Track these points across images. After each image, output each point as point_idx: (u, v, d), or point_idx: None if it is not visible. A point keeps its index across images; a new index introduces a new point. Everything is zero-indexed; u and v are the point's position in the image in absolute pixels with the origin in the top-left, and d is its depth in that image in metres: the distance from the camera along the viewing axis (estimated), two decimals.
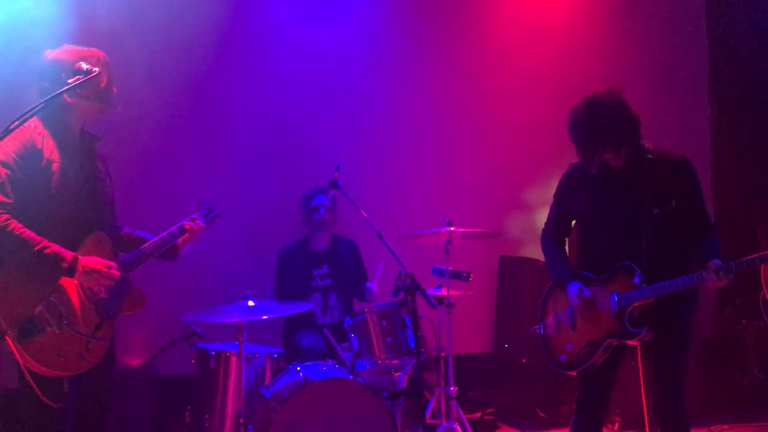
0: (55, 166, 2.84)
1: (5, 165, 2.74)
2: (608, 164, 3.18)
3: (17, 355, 2.68)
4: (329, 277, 4.73)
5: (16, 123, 2.55)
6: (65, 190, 2.86)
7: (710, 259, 2.97)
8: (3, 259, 2.72)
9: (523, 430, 4.98)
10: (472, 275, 4.44)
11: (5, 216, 2.71)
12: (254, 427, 3.69)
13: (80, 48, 2.97)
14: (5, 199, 2.72)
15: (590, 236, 3.33)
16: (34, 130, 2.83)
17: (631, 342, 3.16)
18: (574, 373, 3.32)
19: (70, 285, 2.82)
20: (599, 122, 3.10)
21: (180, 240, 3.24)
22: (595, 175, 3.22)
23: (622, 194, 3.18)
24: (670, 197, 3.11)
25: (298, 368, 3.80)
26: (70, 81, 2.74)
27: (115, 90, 3.01)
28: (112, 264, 2.92)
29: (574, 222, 3.46)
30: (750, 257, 2.88)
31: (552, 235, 3.48)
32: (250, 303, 3.69)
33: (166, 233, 3.18)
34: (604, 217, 3.23)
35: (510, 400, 5.28)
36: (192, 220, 3.29)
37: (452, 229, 4.31)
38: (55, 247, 2.77)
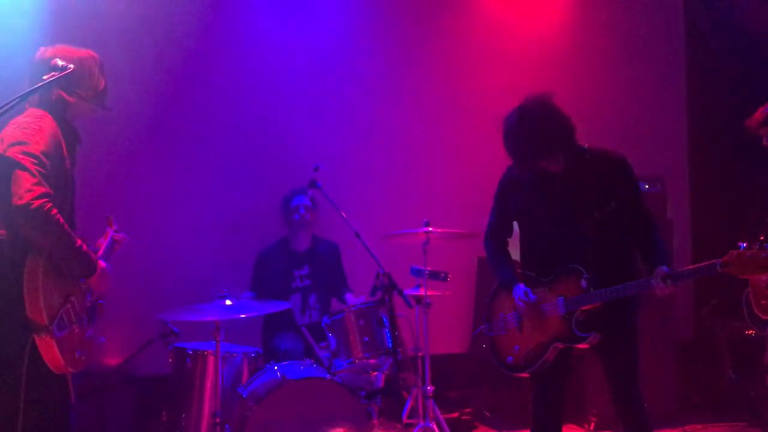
0: (67, 164, 2.81)
1: (46, 155, 2.63)
2: (545, 170, 3.17)
3: (47, 351, 2.61)
4: (309, 277, 4.74)
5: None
6: (69, 190, 2.83)
7: (657, 264, 2.97)
8: (44, 250, 2.63)
9: (500, 430, 5.01)
10: (450, 275, 4.46)
11: (52, 207, 2.59)
12: (231, 426, 3.68)
13: (72, 48, 2.91)
14: (49, 190, 2.60)
15: (531, 237, 3.32)
16: (55, 126, 2.76)
17: (579, 346, 3.18)
18: (524, 375, 3.33)
19: (82, 285, 2.81)
20: (530, 135, 3.07)
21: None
22: (533, 179, 3.23)
23: (561, 196, 3.16)
24: (609, 198, 3.10)
25: (276, 367, 3.81)
26: (44, 77, 2.69)
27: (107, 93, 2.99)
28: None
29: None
30: (699, 265, 2.87)
31: (494, 236, 3.47)
32: (228, 302, 3.69)
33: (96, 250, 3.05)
34: (544, 219, 3.23)
35: (487, 400, 5.31)
36: (116, 231, 3.19)
37: (430, 229, 4.33)
38: (84, 245, 2.75)
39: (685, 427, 4.86)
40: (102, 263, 2.85)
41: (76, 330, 2.75)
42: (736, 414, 5.01)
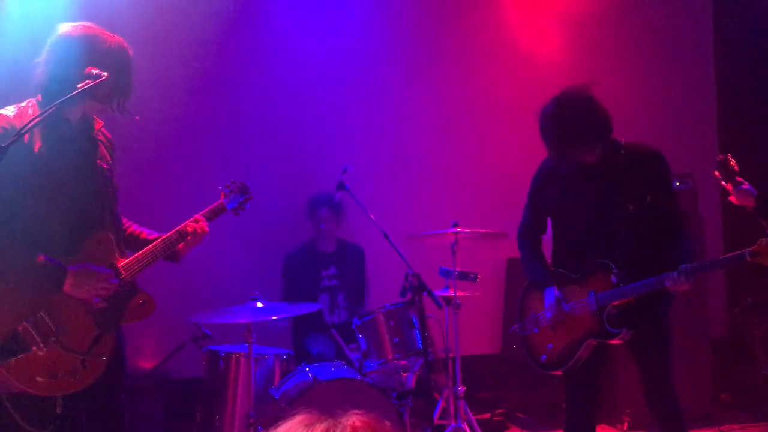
0: (40, 156, 2.55)
1: None
2: (581, 161, 3.16)
3: None
4: (336, 277, 4.77)
5: (37, 119, 2.41)
6: (57, 185, 2.59)
7: (675, 262, 2.97)
8: None
9: (530, 429, 4.98)
10: (479, 276, 4.45)
11: None
12: (264, 428, 3.71)
13: (100, 35, 2.65)
14: None
15: (565, 233, 3.31)
16: (20, 113, 2.56)
17: (612, 342, 3.16)
18: (558, 373, 3.32)
19: (66, 297, 2.55)
20: (570, 123, 3.06)
21: (182, 243, 2.95)
22: (568, 172, 3.21)
23: (596, 190, 3.16)
24: (644, 192, 3.10)
25: (307, 369, 3.83)
26: (78, 85, 2.52)
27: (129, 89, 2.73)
28: (109, 273, 2.64)
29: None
30: (727, 256, 2.90)
31: (527, 234, 3.45)
32: (259, 304, 3.71)
33: (172, 233, 2.90)
34: (578, 214, 3.21)
35: (518, 401, 5.28)
36: (195, 221, 2.99)
37: (459, 229, 4.33)
38: (43, 257, 2.49)
39: (722, 427, 4.78)
40: (75, 270, 2.54)
41: (40, 351, 2.47)
42: None
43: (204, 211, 3.08)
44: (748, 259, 2.80)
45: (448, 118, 5.70)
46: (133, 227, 3.02)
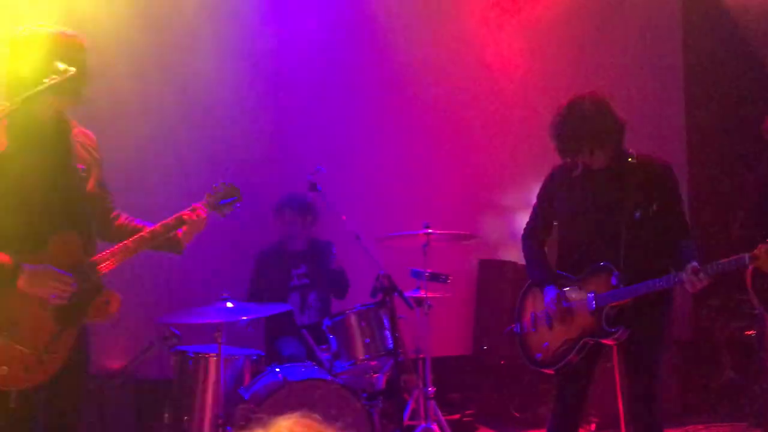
0: (5, 155, 2.57)
1: None
2: (590, 167, 3.25)
3: None
4: (307, 276, 4.75)
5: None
6: (23, 183, 2.60)
7: (687, 262, 3.03)
8: None
9: (499, 430, 5.02)
10: (450, 277, 4.48)
11: None
12: (233, 429, 3.69)
13: (60, 33, 2.70)
14: None
15: (571, 237, 3.38)
16: None
17: (607, 341, 3.22)
18: (550, 372, 3.37)
19: (20, 293, 2.57)
20: (577, 125, 3.18)
21: (180, 232, 2.97)
22: (578, 178, 3.29)
23: (604, 196, 3.25)
24: (651, 200, 3.18)
25: (277, 369, 3.82)
26: (46, 80, 2.56)
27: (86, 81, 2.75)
28: (68, 277, 2.63)
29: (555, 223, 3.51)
30: (728, 259, 2.93)
31: (533, 236, 3.52)
32: (229, 304, 3.70)
33: (158, 225, 2.91)
34: (585, 219, 3.29)
35: (489, 402, 5.32)
36: (192, 209, 2.99)
37: (430, 231, 4.35)
38: None
39: (687, 428, 4.87)
40: (30, 268, 2.56)
41: None
42: (736, 414, 5.02)
43: (195, 205, 3.06)
44: (747, 263, 2.88)
45: (422, 120, 5.71)
46: (123, 218, 3.02)
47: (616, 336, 3.16)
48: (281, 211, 4.75)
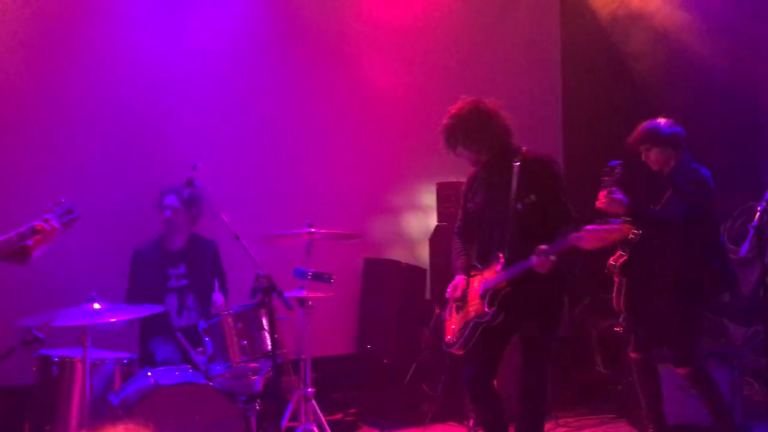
0: None
1: None
2: (489, 165, 3.60)
3: None
4: (186, 277, 4.58)
5: None
6: None
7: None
8: None
9: (383, 430, 5.04)
10: (334, 277, 4.45)
11: None
12: None
13: None
14: None
15: (478, 230, 3.71)
16: None
17: (488, 322, 3.48)
18: (459, 352, 3.64)
19: None
20: (454, 124, 3.56)
21: (31, 242, 2.96)
22: (482, 176, 3.67)
23: (497, 191, 3.57)
24: (530, 192, 3.47)
25: (149, 373, 3.66)
26: None
27: None
28: None
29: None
30: (565, 236, 3.29)
31: (458, 234, 3.85)
32: (96, 306, 3.50)
33: (12, 234, 2.90)
34: (484, 213, 3.64)
35: (371, 401, 5.33)
36: (45, 220, 3.00)
37: (313, 230, 4.30)
38: None
39: (559, 420, 5.06)
40: None
41: None
42: (605, 407, 5.26)
43: (47, 216, 3.08)
44: (571, 242, 3.27)
45: (305, 117, 5.65)
46: None
47: (489, 317, 3.45)
48: (163, 195, 4.52)
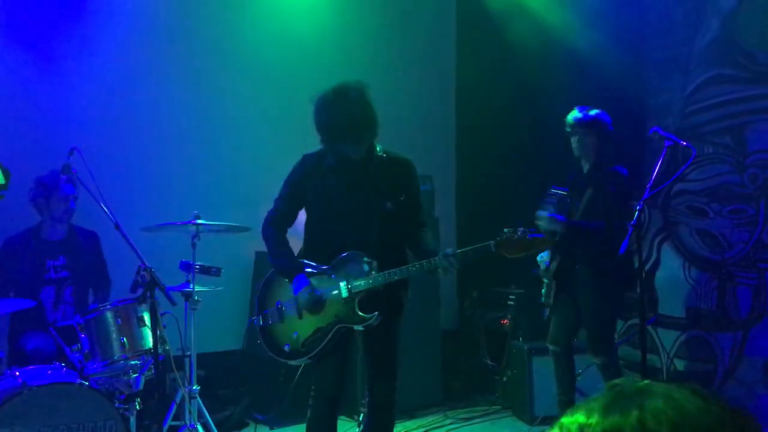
0: None
1: None
2: (347, 157, 3.27)
3: None
4: (66, 269, 4.32)
5: None
6: None
7: (432, 249, 3.30)
8: None
9: (272, 427, 4.96)
10: (224, 270, 4.32)
11: None
12: None
13: None
14: None
15: (320, 225, 3.41)
16: None
17: (359, 326, 3.31)
18: (297, 362, 3.42)
19: None
20: (347, 113, 3.14)
21: None
22: (332, 166, 3.33)
23: (357, 186, 3.32)
24: (400, 192, 3.34)
25: (17, 373, 3.42)
26: None
27: None
28: None
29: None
30: (476, 246, 3.20)
31: (276, 224, 3.47)
32: None
33: None
34: (337, 207, 3.34)
35: (260, 396, 5.22)
36: None
37: (200, 221, 4.14)
38: None
39: (447, 412, 5.14)
40: None
41: None
42: (491, 398, 5.39)
43: None
44: (493, 249, 3.13)
45: (193, 105, 5.45)
46: None
47: (371, 321, 3.25)
48: (61, 191, 4.21)
